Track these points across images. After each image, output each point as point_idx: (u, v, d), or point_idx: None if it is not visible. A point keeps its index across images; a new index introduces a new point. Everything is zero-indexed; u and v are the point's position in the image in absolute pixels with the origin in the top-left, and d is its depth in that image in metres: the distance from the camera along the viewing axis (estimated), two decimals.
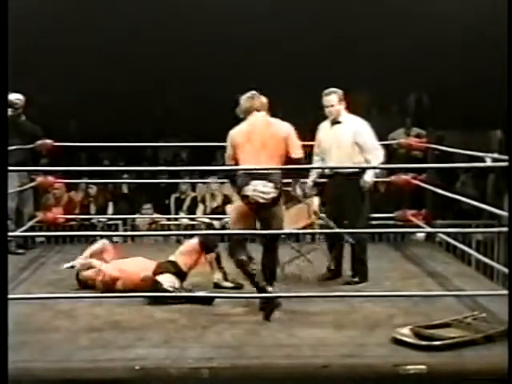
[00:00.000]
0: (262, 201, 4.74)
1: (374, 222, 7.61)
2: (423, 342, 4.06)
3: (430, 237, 7.37)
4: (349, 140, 5.55)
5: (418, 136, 8.53)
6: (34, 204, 7.55)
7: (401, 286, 5.48)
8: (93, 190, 9.03)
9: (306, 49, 11.53)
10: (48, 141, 6.84)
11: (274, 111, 5.04)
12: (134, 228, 8.54)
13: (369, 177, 5.58)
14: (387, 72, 11.23)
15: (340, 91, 5.65)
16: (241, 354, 4.03)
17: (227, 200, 8.59)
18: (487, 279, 5.86)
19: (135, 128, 11.36)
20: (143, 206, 8.82)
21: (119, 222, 8.52)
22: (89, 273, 5.36)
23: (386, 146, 9.61)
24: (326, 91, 5.66)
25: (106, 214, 8.93)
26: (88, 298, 5.02)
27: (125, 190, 9.80)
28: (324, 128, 5.73)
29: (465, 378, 3.90)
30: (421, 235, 7.62)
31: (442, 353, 4.00)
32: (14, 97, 6.67)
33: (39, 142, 6.78)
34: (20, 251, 6.70)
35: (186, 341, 4.23)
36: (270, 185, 4.76)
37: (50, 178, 7.06)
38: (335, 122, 5.63)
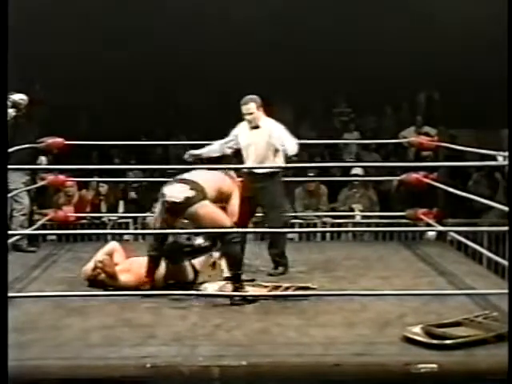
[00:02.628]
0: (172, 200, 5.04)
1: (384, 221, 7.64)
2: (434, 341, 4.04)
3: (441, 235, 7.35)
4: (265, 142, 5.86)
5: (428, 135, 8.50)
6: (46, 202, 7.60)
7: (412, 284, 5.47)
8: (104, 189, 9.04)
9: (308, 48, 11.54)
10: (59, 139, 6.86)
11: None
12: (145, 227, 8.55)
13: (291, 145, 5.83)
14: (398, 71, 11.21)
15: (257, 98, 5.92)
16: (252, 352, 4.02)
17: None
18: (499, 278, 5.83)
19: (147, 127, 11.38)
20: (154, 204, 8.81)
21: (130, 220, 8.53)
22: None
23: (396, 144, 9.78)
24: (244, 100, 5.91)
25: (116, 212, 8.94)
26: (99, 296, 5.04)
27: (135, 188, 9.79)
28: (243, 131, 6.00)
29: (476, 376, 3.88)
30: (432, 234, 7.60)
31: (453, 351, 3.99)
32: (18, 97, 6.71)
33: (50, 141, 6.81)
34: (31, 249, 6.74)
35: (196, 339, 4.24)
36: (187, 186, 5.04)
37: (61, 177, 7.08)
38: (255, 127, 5.91)
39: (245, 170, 5.94)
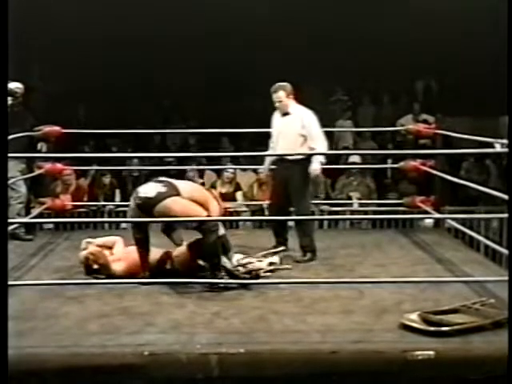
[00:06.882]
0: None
1: (382, 209, 7.64)
2: (431, 328, 4.06)
3: (438, 223, 7.35)
4: (295, 131, 5.91)
5: (427, 122, 8.49)
6: (44, 191, 7.60)
7: (409, 271, 5.48)
8: (107, 180, 9.00)
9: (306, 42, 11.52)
10: (56, 127, 6.86)
11: None
12: None
13: (316, 164, 5.89)
14: (396, 58, 11.19)
15: (288, 85, 5.96)
16: (249, 340, 4.04)
17: (238, 188, 8.68)
18: (496, 265, 5.85)
19: (144, 116, 11.36)
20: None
21: (127, 208, 8.50)
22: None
23: (394, 132, 9.79)
24: (274, 88, 5.96)
25: (113, 201, 8.92)
26: (97, 284, 5.04)
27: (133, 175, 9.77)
28: (275, 119, 6.08)
29: (473, 363, 3.90)
30: (429, 221, 7.61)
31: (450, 338, 4.00)
32: (14, 85, 6.70)
33: (47, 129, 6.81)
34: (29, 237, 6.74)
35: (194, 326, 4.25)
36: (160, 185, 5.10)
37: (59, 166, 7.08)
38: (285, 113, 5.96)
39: (274, 157, 6.04)
